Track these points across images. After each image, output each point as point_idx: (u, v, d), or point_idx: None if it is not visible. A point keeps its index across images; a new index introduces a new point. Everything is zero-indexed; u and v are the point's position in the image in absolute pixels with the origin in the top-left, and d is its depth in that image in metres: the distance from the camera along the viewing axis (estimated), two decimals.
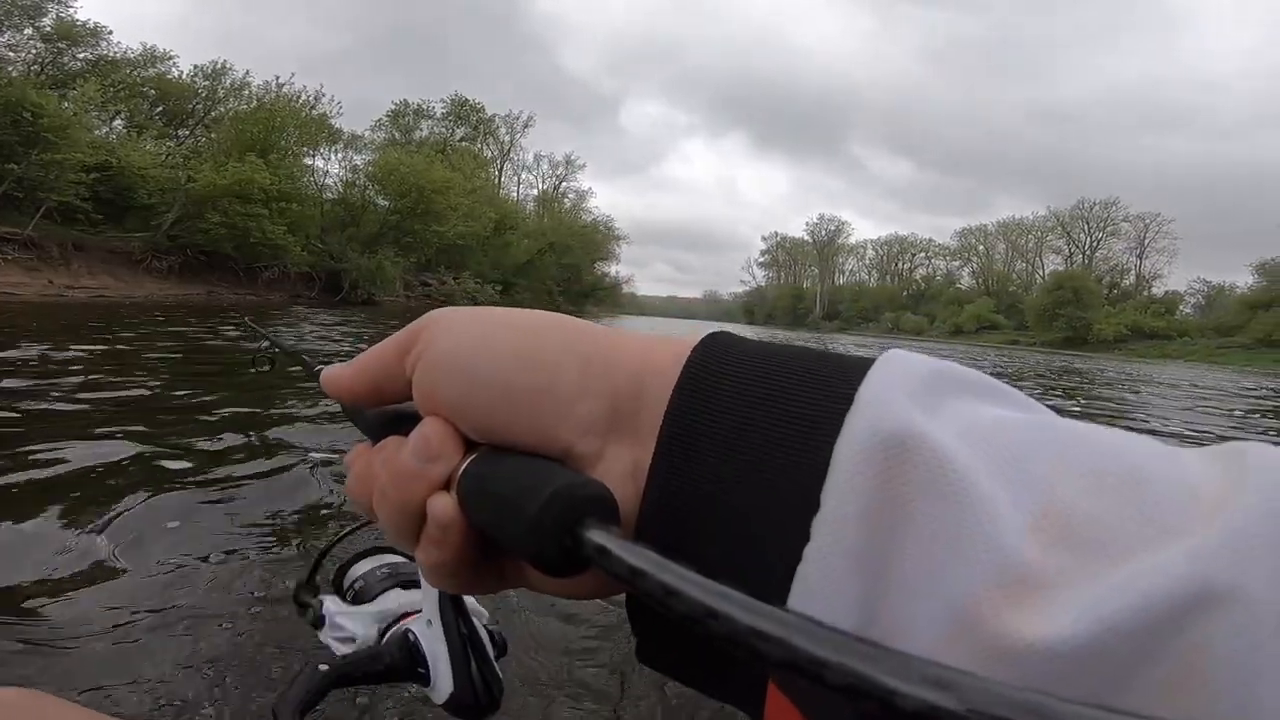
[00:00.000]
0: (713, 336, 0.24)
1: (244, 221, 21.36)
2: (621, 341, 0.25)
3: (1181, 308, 74.57)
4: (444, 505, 0.24)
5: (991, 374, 0.21)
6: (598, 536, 0.19)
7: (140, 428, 3.31)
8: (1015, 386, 0.20)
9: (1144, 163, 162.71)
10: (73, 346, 5.96)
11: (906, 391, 0.19)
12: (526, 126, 66.44)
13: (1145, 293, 77.33)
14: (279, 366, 0.95)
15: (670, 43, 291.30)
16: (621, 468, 0.23)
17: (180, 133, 29.30)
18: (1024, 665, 0.15)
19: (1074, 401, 9.40)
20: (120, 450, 2.89)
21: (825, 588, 0.18)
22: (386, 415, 0.29)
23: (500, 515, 0.22)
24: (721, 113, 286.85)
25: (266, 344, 0.91)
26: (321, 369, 0.31)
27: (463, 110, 57.44)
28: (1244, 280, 67.55)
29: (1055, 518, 0.17)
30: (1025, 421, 0.19)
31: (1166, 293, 77.11)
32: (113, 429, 3.23)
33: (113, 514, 2.25)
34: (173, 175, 21.65)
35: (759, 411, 0.21)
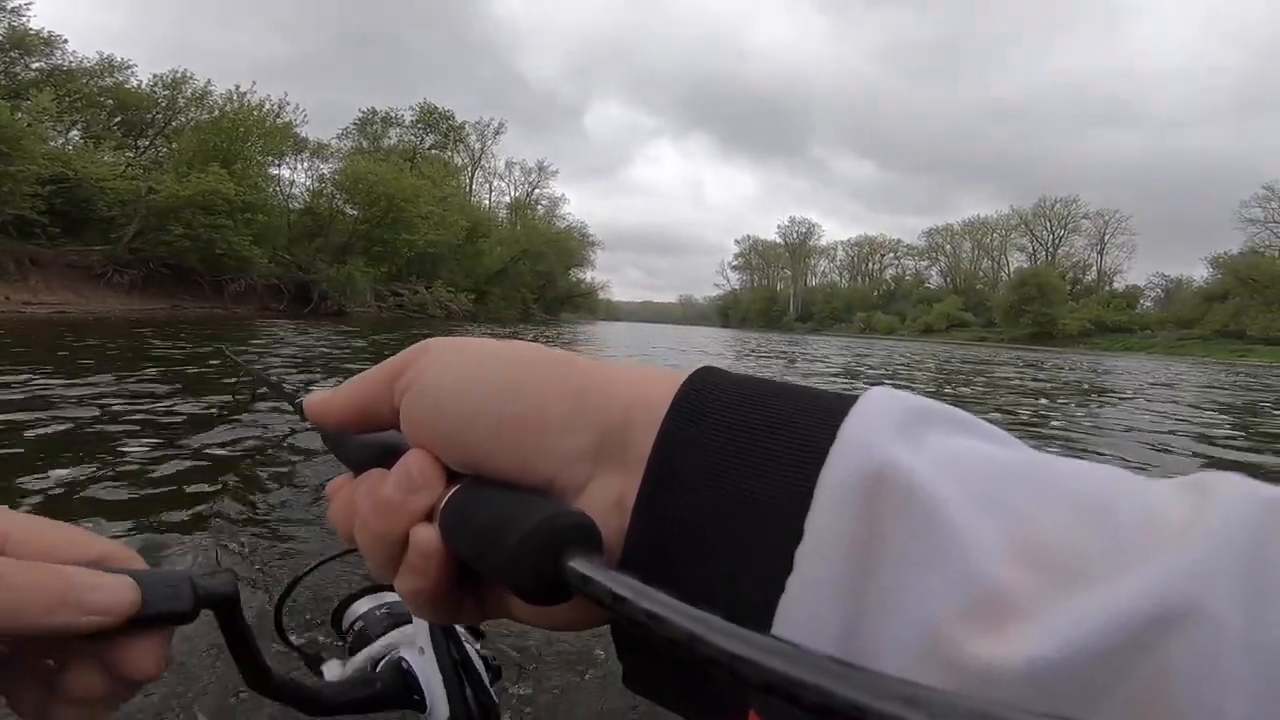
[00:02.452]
0: (702, 371, 0.24)
1: (208, 233, 20.90)
2: (610, 374, 0.25)
3: (1142, 301, 76.75)
4: (426, 535, 0.24)
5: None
6: (580, 565, 0.19)
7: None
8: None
9: (1099, 159, 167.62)
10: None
11: (887, 426, 0.20)
12: (497, 133, 66.28)
13: (1107, 288, 79.44)
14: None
15: (630, 45, 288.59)
16: (607, 498, 0.23)
17: (140, 143, 28.59)
18: (994, 686, 0.16)
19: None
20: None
21: (807, 615, 0.19)
22: (369, 446, 0.29)
23: (482, 545, 0.22)
24: (685, 114, 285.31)
25: (245, 375, 0.92)
26: (303, 399, 0.32)
27: (432, 118, 56.88)
28: (1200, 274, 69.66)
29: (1027, 544, 0.17)
30: (1000, 454, 0.20)
31: (1127, 287, 79.31)
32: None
33: None
34: (133, 186, 21.11)
35: (745, 445, 0.21)
